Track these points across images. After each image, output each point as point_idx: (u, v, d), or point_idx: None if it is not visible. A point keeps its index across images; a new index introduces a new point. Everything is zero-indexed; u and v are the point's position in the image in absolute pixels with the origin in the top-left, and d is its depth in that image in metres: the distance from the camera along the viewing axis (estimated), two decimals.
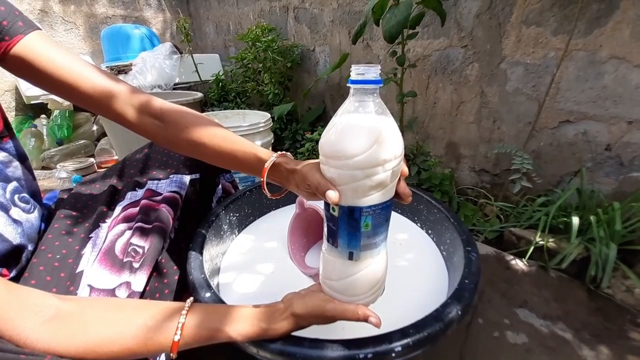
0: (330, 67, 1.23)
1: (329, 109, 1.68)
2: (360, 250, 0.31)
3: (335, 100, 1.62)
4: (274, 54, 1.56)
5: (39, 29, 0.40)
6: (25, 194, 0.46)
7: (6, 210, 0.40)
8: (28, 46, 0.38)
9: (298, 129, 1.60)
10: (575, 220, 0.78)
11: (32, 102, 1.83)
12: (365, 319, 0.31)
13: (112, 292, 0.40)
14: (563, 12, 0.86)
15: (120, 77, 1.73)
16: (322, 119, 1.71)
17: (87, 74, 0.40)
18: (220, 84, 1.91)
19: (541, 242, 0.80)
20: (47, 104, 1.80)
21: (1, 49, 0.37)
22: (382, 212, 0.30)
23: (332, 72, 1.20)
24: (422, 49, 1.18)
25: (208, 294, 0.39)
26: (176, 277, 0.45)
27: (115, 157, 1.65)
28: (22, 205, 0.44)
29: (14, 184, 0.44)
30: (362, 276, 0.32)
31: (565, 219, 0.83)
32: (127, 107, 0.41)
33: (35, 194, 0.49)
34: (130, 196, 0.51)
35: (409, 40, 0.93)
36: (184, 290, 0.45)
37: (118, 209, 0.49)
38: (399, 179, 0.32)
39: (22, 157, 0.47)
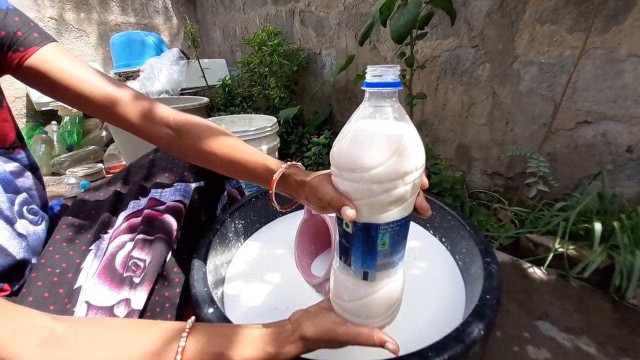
0: (336, 69, 1.22)
1: (335, 112, 1.66)
2: (376, 271, 0.28)
3: (342, 103, 1.60)
4: (280, 58, 1.56)
5: (54, 40, 0.41)
6: (34, 206, 0.45)
7: (11, 224, 0.39)
8: (43, 57, 0.38)
9: (304, 133, 1.59)
10: (598, 226, 0.74)
11: (43, 108, 1.86)
12: (382, 345, 0.29)
13: (110, 310, 0.38)
14: (579, 9, 0.82)
15: (129, 83, 1.75)
16: (329, 123, 1.70)
17: (103, 87, 0.40)
18: (227, 88, 1.91)
19: (561, 250, 0.77)
20: (57, 110, 1.83)
21: (15, 60, 0.38)
22: (401, 229, 0.27)
23: (338, 75, 1.18)
24: (431, 50, 1.15)
25: (211, 310, 0.37)
26: (178, 290, 0.43)
27: (123, 163, 1.66)
28: (30, 217, 0.44)
29: (23, 195, 0.43)
30: (377, 298, 0.29)
31: (586, 224, 0.79)
32: (144, 120, 0.41)
33: (45, 205, 0.48)
34: (133, 205, 0.49)
35: (417, 40, 0.91)
36: (187, 303, 0.43)
37: (120, 218, 0.48)
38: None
39: (33, 167, 0.47)
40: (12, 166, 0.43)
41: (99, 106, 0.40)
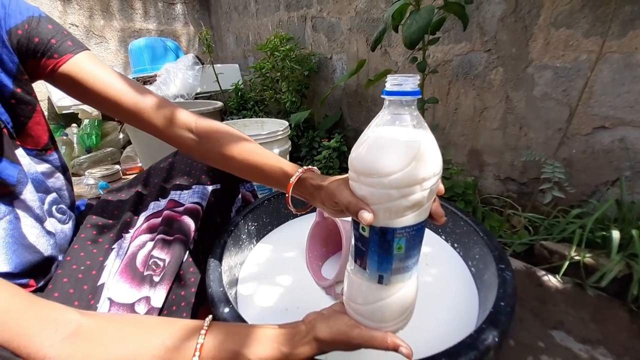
0: (347, 74, 1.23)
1: (345, 116, 1.67)
2: (391, 274, 0.29)
3: (352, 107, 1.61)
4: (292, 63, 1.58)
5: (87, 49, 0.43)
6: (62, 205, 0.47)
7: (41, 222, 0.41)
8: (77, 65, 0.40)
9: (315, 137, 1.60)
10: (616, 234, 0.72)
11: (64, 111, 1.93)
12: (395, 349, 0.29)
13: (131, 307, 0.40)
14: (595, 13, 0.81)
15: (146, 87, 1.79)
16: (339, 126, 1.71)
17: (131, 95, 0.42)
18: (240, 93, 1.94)
19: (577, 258, 0.75)
20: (77, 113, 1.89)
21: (50, 66, 0.40)
22: (417, 233, 0.28)
23: (348, 79, 1.19)
24: (443, 54, 1.15)
25: (227, 310, 0.38)
26: (193, 290, 0.45)
27: (139, 165, 1.71)
28: (59, 216, 0.46)
29: (53, 195, 0.45)
30: (391, 302, 0.30)
31: (603, 232, 0.77)
32: (167, 124, 0.44)
33: (72, 205, 0.50)
34: (153, 206, 0.51)
35: (430, 45, 0.91)
36: (202, 302, 0.45)
37: (141, 219, 0.50)
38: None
39: (64, 169, 0.49)
40: (44, 167, 0.45)
41: (128, 112, 0.43)
